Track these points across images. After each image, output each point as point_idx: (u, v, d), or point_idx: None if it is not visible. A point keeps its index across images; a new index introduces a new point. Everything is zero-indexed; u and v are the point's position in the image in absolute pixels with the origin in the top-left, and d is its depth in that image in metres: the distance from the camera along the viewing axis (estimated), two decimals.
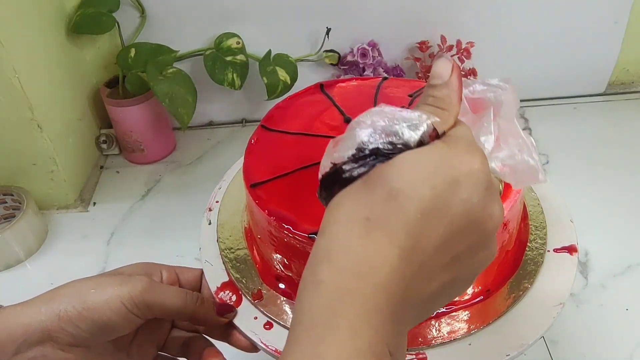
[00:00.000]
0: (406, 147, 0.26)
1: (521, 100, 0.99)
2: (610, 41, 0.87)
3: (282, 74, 0.80)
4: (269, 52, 0.81)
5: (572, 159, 0.80)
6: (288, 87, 0.81)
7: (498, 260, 0.42)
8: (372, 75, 0.84)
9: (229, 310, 0.40)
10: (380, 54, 0.84)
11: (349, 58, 0.84)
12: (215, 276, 0.44)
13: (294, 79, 0.82)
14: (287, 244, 0.40)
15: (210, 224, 0.49)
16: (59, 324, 0.35)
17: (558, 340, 0.56)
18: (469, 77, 0.83)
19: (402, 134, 0.26)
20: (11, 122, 0.69)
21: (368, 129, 0.26)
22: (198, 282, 0.44)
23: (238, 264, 0.45)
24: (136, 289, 0.36)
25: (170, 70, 0.79)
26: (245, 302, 0.42)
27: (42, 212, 0.77)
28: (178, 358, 0.43)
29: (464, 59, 0.82)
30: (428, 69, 0.83)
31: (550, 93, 0.92)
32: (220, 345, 0.42)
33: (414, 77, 0.86)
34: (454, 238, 0.26)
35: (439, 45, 0.82)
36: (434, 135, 0.27)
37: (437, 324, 0.40)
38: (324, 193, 0.28)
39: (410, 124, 0.26)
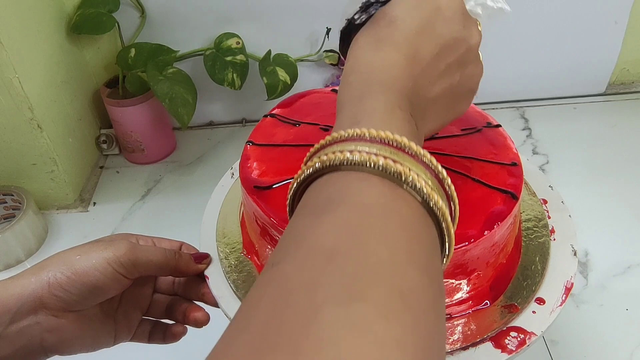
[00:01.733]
0: None
1: (521, 100, 1.00)
2: (610, 41, 0.87)
3: (282, 74, 0.80)
4: (269, 52, 0.81)
5: (572, 159, 0.80)
6: (288, 87, 0.81)
7: (495, 269, 0.42)
8: None
9: (204, 257, 0.44)
10: None
11: None
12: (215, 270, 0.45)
13: (294, 79, 0.82)
14: None
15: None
16: (50, 290, 0.37)
17: (558, 340, 0.56)
18: None
19: None
20: (11, 122, 0.69)
21: None
22: (177, 252, 0.46)
23: (237, 267, 0.45)
24: (120, 250, 0.39)
25: (170, 70, 0.79)
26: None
27: (42, 212, 0.77)
28: (162, 320, 0.45)
29: None
30: None
31: (550, 93, 0.92)
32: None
33: None
34: (444, 50, 0.34)
35: None
36: None
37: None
38: (343, 44, 0.37)
39: None
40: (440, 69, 0.34)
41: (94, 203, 0.80)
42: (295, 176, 0.30)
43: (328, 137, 0.29)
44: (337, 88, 0.52)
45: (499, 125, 0.48)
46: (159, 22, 0.83)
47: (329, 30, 0.82)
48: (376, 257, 0.23)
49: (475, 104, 0.48)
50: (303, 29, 0.84)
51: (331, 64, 0.86)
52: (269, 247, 0.43)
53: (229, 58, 0.80)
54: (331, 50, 0.85)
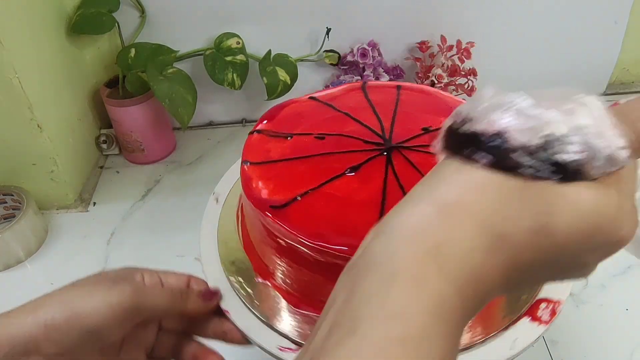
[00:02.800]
0: (588, 174, 0.22)
1: None
2: (610, 41, 0.87)
3: (282, 74, 0.80)
4: (269, 52, 0.81)
5: None
6: (288, 87, 0.81)
7: None
8: (371, 75, 0.84)
9: (214, 294, 0.41)
10: (380, 54, 0.84)
11: (349, 58, 0.84)
12: (214, 276, 0.44)
13: (294, 79, 0.82)
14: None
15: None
16: (46, 332, 0.34)
17: (558, 340, 0.56)
18: (468, 77, 0.83)
19: (603, 159, 0.21)
20: (11, 122, 0.69)
21: (512, 115, 0.21)
22: (183, 293, 0.42)
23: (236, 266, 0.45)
24: (124, 294, 0.36)
25: (170, 70, 0.79)
26: (238, 302, 0.42)
27: (42, 212, 0.77)
28: None
29: (464, 59, 0.82)
30: (428, 69, 0.83)
31: None
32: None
33: (414, 77, 0.86)
34: (552, 272, 0.25)
35: (439, 45, 0.82)
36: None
37: None
38: (449, 143, 0.23)
39: (615, 149, 0.21)
40: (538, 278, 0.25)
41: (94, 203, 0.80)
42: None
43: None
44: (315, 95, 0.52)
45: None
46: (159, 22, 0.83)
47: (329, 30, 0.82)
48: None
49: None
50: (303, 29, 0.84)
51: (331, 64, 0.86)
52: (290, 265, 0.42)
53: (229, 58, 0.80)
54: (331, 50, 0.85)
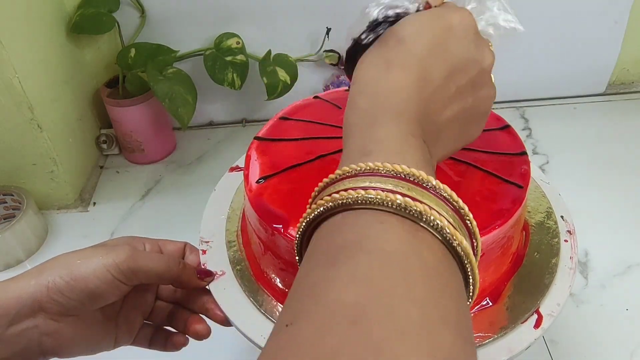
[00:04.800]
0: (408, 14, 0.33)
1: (521, 100, 1.00)
2: (610, 41, 0.87)
3: (282, 74, 0.80)
4: (269, 52, 0.81)
5: (572, 159, 0.80)
6: (288, 87, 0.81)
7: (500, 266, 0.42)
8: None
9: (208, 274, 0.43)
10: None
11: None
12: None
13: (294, 79, 0.82)
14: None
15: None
16: (49, 294, 0.36)
17: (558, 340, 0.56)
18: None
19: (404, 6, 0.33)
20: (11, 122, 0.69)
21: (376, 8, 0.33)
22: (181, 254, 0.45)
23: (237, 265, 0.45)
24: (120, 257, 0.38)
25: (170, 70, 0.79)
26: (230, 282, 0.43)
27: (42, 212, 0.77)
28: (164, 327, 0.45)
29: None
30: None
31: (550, 93, 0.92)
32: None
33: None
34: (455, 72, 0.32)
35: None
36: (428, 7, 0.34)
37: None
38: (349, 65, 0.35)
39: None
40: (451, 92, 0.32)
41: (94, 203, 0.80)
42: (304, 215, 0.28)
43: (338, 172, 0.27)
44: (319, 95, 0.53)
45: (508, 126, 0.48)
46: (159, 22, 0.83)
47: (329, 30, 0.82)
48: (405, 319, 0.21)
49: None
50: (303, 29, 0.84)
51: (331, 64, 0.86)
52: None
53: (229, 58, 0.80)
54: (331, 50, 0.85)
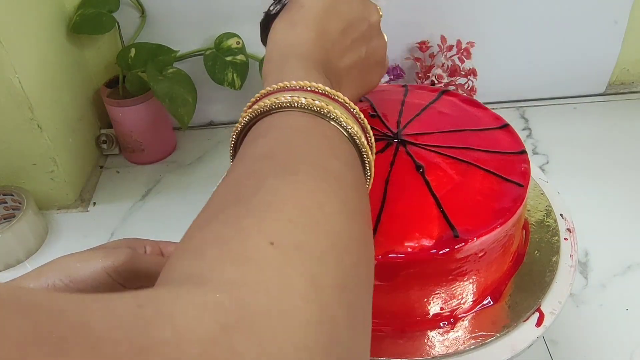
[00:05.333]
0: None
1: (521, 100, 1.00)
2: (610, 41, 0.87)
3: None
4: None
5: (572, 159, 0.80)
6: None
7: (501, 266, 0.42)
8: None
9: None
10: None
11: None
12: None
13: None
14: None
15: None
16: None
17: (558, 340, 0.56)
18: (468, 77, 0.83)
19: None
20: (11, 122, 0.69)
21: None
22: None
23: None
24: (120, 260, 0.38)
25: (170, 70, 0.79)
26: None
27: (42, 212, 0.77)
28: None
29: (464, 59, 0.82)
30: (428, 69, 0.83)
31: (550, 93, 0.92)
32: None
33: (414, 77, 0.86)
34: (348, 27, 0.40)
35: (439, 45, 0.82)
36: None
37: (440, 334, 0.40)
38: (263, 35, 0.43)
39: None
40: (347, 43, 0.40)
41: (94, 203, 0.80)
42: (234, 129, 0.34)
43: (257, 94, 0.34)
44: None
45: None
46: (159, 22, 0.83)
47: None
48: (304, 153, 0.28)
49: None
50: None
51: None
52: None
53: (229, 58, 0.80)
54: None
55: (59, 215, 0.78)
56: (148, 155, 0.86)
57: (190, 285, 0.20)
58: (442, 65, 0.82)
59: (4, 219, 0.76)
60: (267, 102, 0.32)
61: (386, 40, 0.44)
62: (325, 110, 0.31)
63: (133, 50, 0.79)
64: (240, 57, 0.81)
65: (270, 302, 0.20)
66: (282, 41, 0.39)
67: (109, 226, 0.76)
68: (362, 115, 0.33)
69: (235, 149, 0.35)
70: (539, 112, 0.90)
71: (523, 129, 0.86)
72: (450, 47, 0.82)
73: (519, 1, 0.82)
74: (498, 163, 0.44)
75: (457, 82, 0.83)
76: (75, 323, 0.16)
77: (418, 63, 0.84)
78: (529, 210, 0.48)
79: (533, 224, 0.47)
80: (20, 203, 0.73)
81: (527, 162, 0.44)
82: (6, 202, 0.74)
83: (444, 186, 0.41)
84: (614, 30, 0.85)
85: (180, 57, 0.83)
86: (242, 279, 0.21)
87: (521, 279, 0.42)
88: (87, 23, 0.77)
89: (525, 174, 0.43)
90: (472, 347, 0.38)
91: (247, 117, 0.33)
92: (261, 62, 0.81)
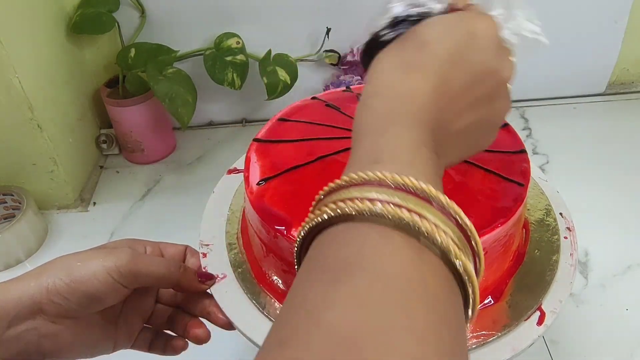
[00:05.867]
0: (432, 15, 0.32)
1: (521, 100, 0.99)
2: (610, 41, 0.87)
3: (282, 74, 0.80)
4: (269, 52, 0.81)
5: (572, 159, 0.80)
6: (288, 87, 0.81)
7: (501, 267, 0.42)
8: None
9: (209, 277, 0.43)
10: None
11: (349, 58, 0.84)
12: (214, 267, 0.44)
13: (294, 79, 0.82)
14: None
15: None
16: (48, 296, 0.36)
17: (558, 340, 0.56)
18: None
19: (429, 5, 0.33)
20: (11, 122, 0.69)
21: (400, 5, 0.33)
22: (182, 258, 0.45)
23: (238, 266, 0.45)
24: (121, 260, 0.38)
25: (170, 70, 0.79)
26: (232, 285, 0.43)
27: (42, 212, 0.77)
28: (164, 330, 0.45)
29: None
30: None
31: (550, 93, 0.92)
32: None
33: None
34: (475, 82, 0.31)
35: None
36: (453, 9, 0.33)
37: None
38: (366, 59, 0.34)
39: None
40: (468, 102, 0.31)
41: (94, 203, 0.80)
42: (306, 220, 0.27)
43: (345, 177, 0.27)
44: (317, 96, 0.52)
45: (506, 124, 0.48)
46: (159, 22, 0.83)
47: (329, 30, 0.82)
48: (403, 350, 0.21)
49: None
50: (303, 29, 0.84)
51: (331, 64, 0.86)
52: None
53: (229, 58, 0.80)
54: (331, 50, 0.85)
55: (59, 215, 0.78)
56: (148, 155, 0.86)
57: None
58: None
59: (4, 219, 0.76)
60: (357, 203, 0.25)
61: (511, 101, 0.35)
62: (434, 239, 0.24)
63: (133, 50, 0.79)
64: (240, 57, 0.81)
65: None
66: (390, 87, 0.30)
67: (109, 226, 0.76)
68: (476, 237, 0.26)
69: (301, 249, 0.29)
70: (539, 112, 0.90)
71: (523, 129, 0.86)
72: None
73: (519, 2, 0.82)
74: (498, 162, 0.44)
75: None
76: None
77: None
78: (528, 210, 0.48)
79: (533, 223, 0.47)
80: (20, 203, 0.73)
81: (527, 161, 0.44)
82: (6, 202, 0.74)
83: (444, 186, 0.41)
84: (614, 30, 0.85)
85: (180, 57, 0.83)
86: None
87: (521, 278, 0.42)
88: (87, 23, 0.77)
89: (526, 173, 0.43)
90: (473, 346, 0.38)
91: (327, 214, 0.26)
92: (261, 62, 0.81)
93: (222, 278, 0.43)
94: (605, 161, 0.79)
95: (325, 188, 0.28)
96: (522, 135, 0.85)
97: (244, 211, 0.49)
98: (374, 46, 0.34)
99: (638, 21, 0.84)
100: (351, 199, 0.25)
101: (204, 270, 0.44)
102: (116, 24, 0.79)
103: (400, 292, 0.22)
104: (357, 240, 0.24)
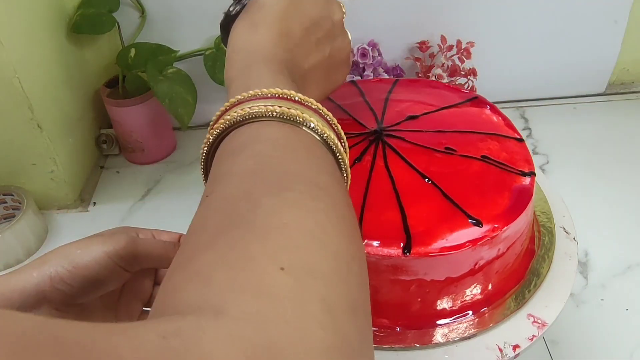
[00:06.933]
0: None
1: (521, 100, 1.00)
2: (610, 41, 0.87)
3: None
4: None
5: (572, 159, 0.80)
6: None
7: (508, 268, 0.42)
8: (371, 75, 0.84)
9: None
10: (380, 54, 0.84)
11: None
12: None
13: None
14: None
15: None
16: (52, 284, 0.37)
17: (558, 340, 0.56)
18: (468, 77, 0.83)
19: None
20: (11, 122, 0.69)
21: None
22: (177, 241, 0.47)
23: None
24: (120, 244, 0.39)
25: (170, 70, 0.79)
26: None
27: (42, 212, 0.77)
28: None
29: (464, 59, 0.82)
30: (428, 69, 0.83)
31: (550, 93, 0.92)
32: None
33: (414, 77, 0.86)
34: (312, 26, 0.39)
35: (439, 45, 0.82)
36: None
37: (444, 328, 0.40)
38: (224, 36, 0.41)
39: None
40: (311, 43, 0.39)
41: (94, 203, 0.80)
42: (204, 141, 0.32)
43: (226, 104, 0.32)
44: None
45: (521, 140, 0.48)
46: (159, 22, 0.83)
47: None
48: (293, 168, 0.28)
49: None
50: None
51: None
52: None
53: None
54: None
55: (59, 215, 0.78)
56: (148, 155, 0.86)
57: (209, 315, 0.20)
58: (442, 65, 0.82)
59: (4, 219, 0.76)
60: (239, 112, 0.31)
61: (350, 38, 0.43)
62: (300, 119, 0.31)
63: (133, 50, 0.79)
64: None
65: (292, 333, 0.20)
66: (244, 44, 0.37)
67: (109, 226, 0.75)
68: (335, 121, 0.33)
69: (207, 163, 0.34)
70: (539, 112, 0.90)
71: (523, 129, 0.86)
72: (450, 47, 0.82)
73: (519, 1, 0.82)
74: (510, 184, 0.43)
75: (457, 82, 0.83)
76: (107, 354, 0.17)
77: (418, 63, 0.84)
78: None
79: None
80: (20, 203, 0.73)
81: (532, 181, 0.44)
82: (6, 202, 0.74)
83: (445, 181, 0.41)
84: (614, 30, 0.85)
85: (180, 57, 0.83)
86: (262, 310, 0.20)
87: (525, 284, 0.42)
88: (87, 23, 0.77)
89: (529, 192, 0.42)
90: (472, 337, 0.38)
91: (219, 128, 0.31)
92: None
93: None
94: (605, 161, 0.79)
95: (217, 113, 0.33)
96: (522, 135, 0.85)
97: None
98: (228, 22, 0.40)
99: (638, 21, 0.84)
100: (235, 112, 0.31)
101: None
102: (116, 24, 0.79)
103: (284, 145, 0.29)
104: (246, 132, 0.31)
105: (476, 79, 0.83)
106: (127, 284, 0.42)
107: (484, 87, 0.85)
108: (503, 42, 0.86)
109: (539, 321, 0.39)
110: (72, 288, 0.37)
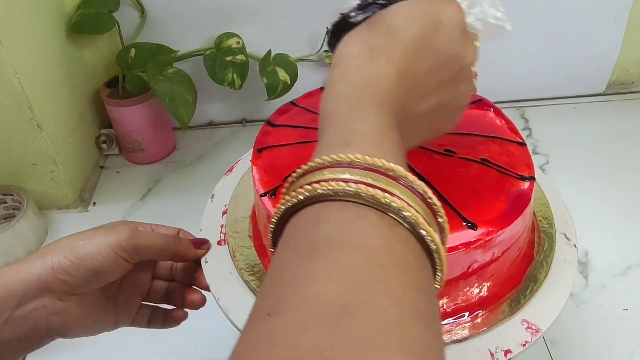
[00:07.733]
0: None
1: (521, 100, 1.00)
2: (610, 41, 0.87)
3: (282, 74, 0.80)
4: (269, 52, 0.81)
5: (572, 159, 0.80)
6: (288, 87, 0.81)
7: (506, 271, 0.42)
8: None
9: (203, 242, 0.46)
10: None
11: None
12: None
13: (294, 79, 0.82)
14: None
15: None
16: (54, 274, 0.38)
17: (558, 340, 0.56)
18: None
19: None
20: (11, 122, 0.69)
21: None
22: (176, 234, 0.47)
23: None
24: (122, 235, 0.40)
25: (170, 70, 0.79)
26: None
27: (42, 212, 0.77)
28: (160, 305, 0.47)
29: None
30: None
31: (550, 93, 0.92)
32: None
33: None
34: (438, 67, 0.32)
35: None
36: None
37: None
38: (333, 40, 0.35)
39: None
40: (430, 86, 0.32)
41: (94, 203, 0.80)
42: (281, 202, 0.27)
43: (317, 160, 0.27)
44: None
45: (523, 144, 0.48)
46: (159, 22, 0.83)
47: (328, 30, 0.82)
48: (386, 315, 0.22)
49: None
50: (303, 29, 0.84)
51: (331, 64, 0.86)
52: None
53: (229, 58, 0.80)
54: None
55: (58, 215, 0.78)
56: (148, 155, 0.86)
57: None
58: None
59: (4, 219, 0.76)
60: (332, 184, 0.26)
61: (476, 87, 0.37)
62: (404, 215, 0.25)
63: (133, 50, 0.79)
64: (240, 57, 0.81)
65: None
66: (356, 72, 0.31)
67: None
68: (442, 213, 0.27)
69: (277, 232, 0.28)
70: (539, 112, 0.90)
71: (523, 129, 0.86)
72: None
73: (519, 1, 0.82)
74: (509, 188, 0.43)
75: None
76: None
77: None
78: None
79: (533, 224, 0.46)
80: (20, 203, 0.73)
81: (531, 186, 0.44)
82: (6, 202, 0.74)
83: (450, 186, 0.41)
84: (614, 30, 0.85)
85: (180, 57, 0.83)
86: None
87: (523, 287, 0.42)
88: (87, 23, 0.77)
89: (527, 197, 0.42)
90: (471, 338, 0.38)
91: (302, 195, 0.26)
92: (261, 62, 0.81)
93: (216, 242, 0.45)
94: (605, 161, 0.79)
95: (298, 170, 0.28)
96: (522, 135, 0.85)
97: (253, 212, 0.49)
98: (342, 27, 0.34)
99: (638, 21, 0.84)
100: (325, 180, 0.26)
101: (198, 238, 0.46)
102: (116, 24, 0.79)
103: (377, 263, 0.23)
104: (333, 218, 0.25)
105: (476, 79, 0.83)
106: (126, 276, 0.42)
107: (484, 87, 0.84)
108: (503, 42, 0.85)
109: (533, 327, 0.39)
110: (75, 278, 0.38)
